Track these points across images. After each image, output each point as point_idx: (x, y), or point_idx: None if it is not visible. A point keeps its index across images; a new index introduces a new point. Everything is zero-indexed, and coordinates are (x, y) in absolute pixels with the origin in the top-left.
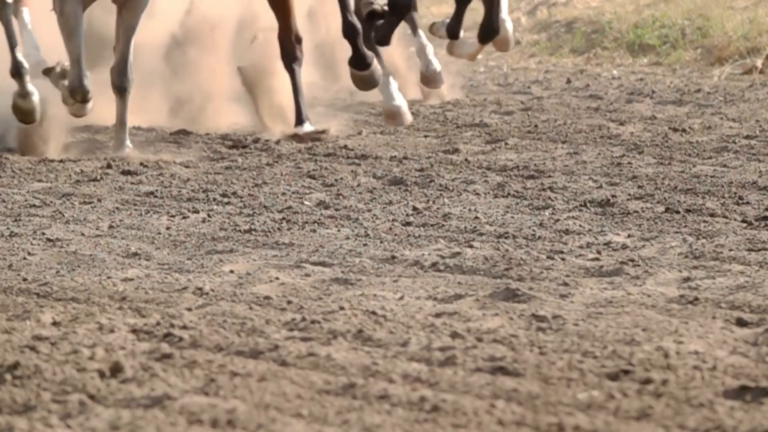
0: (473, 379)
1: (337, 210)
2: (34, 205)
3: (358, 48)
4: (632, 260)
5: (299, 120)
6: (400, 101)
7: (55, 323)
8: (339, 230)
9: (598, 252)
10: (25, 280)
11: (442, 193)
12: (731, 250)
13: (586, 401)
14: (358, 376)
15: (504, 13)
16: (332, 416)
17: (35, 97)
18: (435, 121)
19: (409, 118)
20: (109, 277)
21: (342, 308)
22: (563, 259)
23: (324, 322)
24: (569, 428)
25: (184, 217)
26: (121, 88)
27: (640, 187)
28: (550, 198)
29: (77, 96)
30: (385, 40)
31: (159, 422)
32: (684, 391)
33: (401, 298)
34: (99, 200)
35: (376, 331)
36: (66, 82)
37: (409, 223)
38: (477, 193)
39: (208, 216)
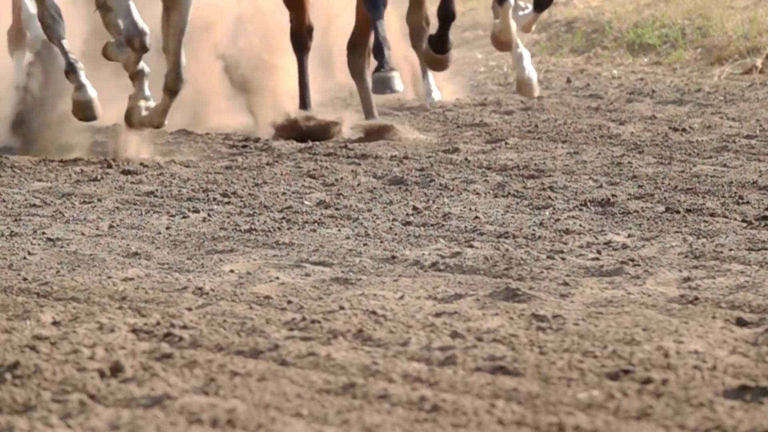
0: (473, 378)
1: (337, 210)
2: (34, 205)
3: (446, 32)
4: (632, 260)
5: (303, 105)
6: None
7: (55, 323)
8: (339, 230)
9: (598, 252)
10: (25, 279)
11: (442, 193)
12: (731, 249)
13: (586, 401)
14: (358, 375)
15: (528, 62)
16: (332, 416)
17: (90, 90)
18: (435, 120)
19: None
20: (109, 277)
21: (342, 308)
22: (563, 259)
23: (324, 321)
24: (569, 428)
25: (184, 217)
26: (175, 92)
27: (640, 186)
28: (550, 198)
29: (135, 42)
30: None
31: (159, 422)
32: (684, 391)
33: (401, 297)
34: (99, 200)
35: (376, 330)
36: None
37: (409, 223)
38: (477, 193)
39: (208, 216)
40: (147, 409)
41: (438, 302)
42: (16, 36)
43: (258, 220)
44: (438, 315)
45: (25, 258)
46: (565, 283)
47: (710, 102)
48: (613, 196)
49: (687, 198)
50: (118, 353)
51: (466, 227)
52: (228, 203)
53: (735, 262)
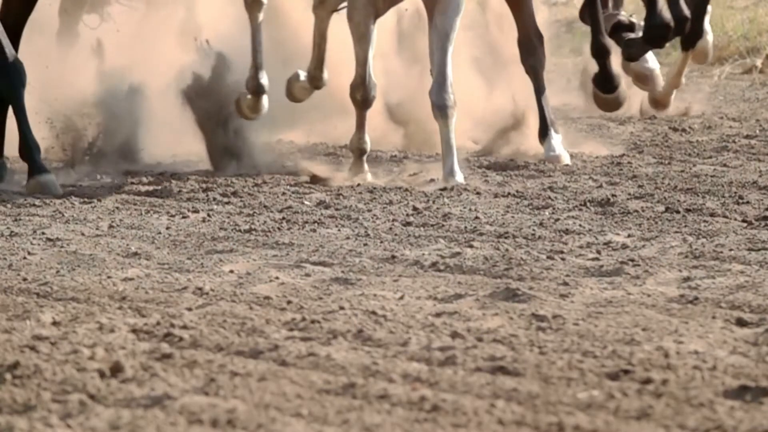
0: (473, 378)
1: (337, 210)
2: (34, 205)
3: (607, 69)
4: (632, 260)
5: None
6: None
7: (55, 323)
8: (339, 230)
9: (598, 252)
10: (25, 279)
11: (442, 193)
12: (731, 249)
13: (586, 401)
14: (358, 376)
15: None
16: (332, 416)
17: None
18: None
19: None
20: (109, 277)
21: (342, 308)
22: (563, 259)
23: (324, 322)
24: (569, 428)
25: (184, 217)
26: (441, 106)
27: (640, 186)
28: (550, 198)
29: (316, 84)
30: (635, 58)
31: (159, 422)
32: (684, 391)
33: (401, 297)
34: (99, 200)
35: (376, 331)
36: None
37: (409, 223)
38: (477, 193)
39: (208, 216)
40: (147, 409)
41: (438, 302)
42: None
43: (258, 221)
44: (438, 315)
45: (25, 258)
46: (565, 283)
47: (710, 102)
48: (612, 196)
49: (687, 198)
50: (118, 353)
51: (466, 227)
52: (228, 203)
53: (735, 262)
